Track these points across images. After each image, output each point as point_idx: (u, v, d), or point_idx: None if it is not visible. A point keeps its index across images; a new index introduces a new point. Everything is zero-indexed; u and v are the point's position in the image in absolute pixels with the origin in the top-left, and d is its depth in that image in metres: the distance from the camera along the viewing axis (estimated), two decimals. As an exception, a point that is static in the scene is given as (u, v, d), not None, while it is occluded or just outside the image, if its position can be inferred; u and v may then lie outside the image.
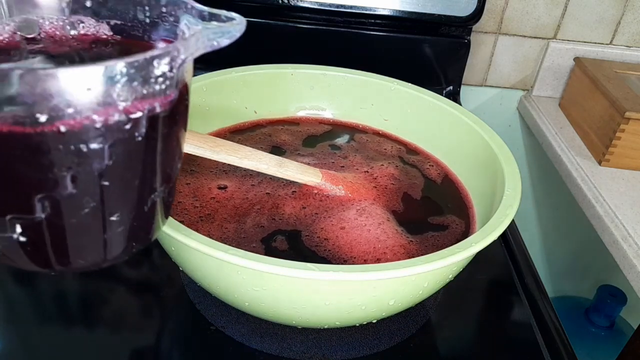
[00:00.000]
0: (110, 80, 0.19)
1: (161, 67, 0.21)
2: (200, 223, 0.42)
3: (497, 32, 0.82)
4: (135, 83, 0.20)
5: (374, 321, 0.42)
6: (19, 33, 0.27)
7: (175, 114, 0.23)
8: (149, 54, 0.20)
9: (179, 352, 0.41)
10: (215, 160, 0.40)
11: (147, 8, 0.27)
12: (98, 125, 0.20)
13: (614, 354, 0.72)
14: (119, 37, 0.28)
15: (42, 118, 0.19)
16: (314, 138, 0.56)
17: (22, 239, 0.22)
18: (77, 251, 0.24)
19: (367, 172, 0.50)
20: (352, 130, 0.58)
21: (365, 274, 0.31)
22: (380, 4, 0.71)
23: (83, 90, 0.19)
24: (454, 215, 0.47)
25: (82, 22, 0.28)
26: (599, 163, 0.72)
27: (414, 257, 0.33)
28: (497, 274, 0.51)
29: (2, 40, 0.26)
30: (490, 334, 0.45)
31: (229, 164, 0.43)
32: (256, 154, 0.41)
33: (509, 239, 0.54)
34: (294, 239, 0.42)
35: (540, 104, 0.86)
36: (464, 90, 0.86)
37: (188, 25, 0.26)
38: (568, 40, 0.83)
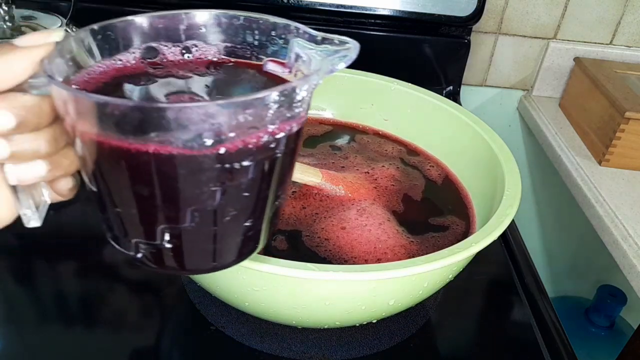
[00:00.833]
0: (265, 107, 0.22)
1: (301, 93, 0.24)
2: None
3: (497, 32, 0.82)
4: (282, 108, 0.23)
5: (374, 321, 0.42)
6: (143, 59, 0.29)
7: (302, 129, 0.26)
8: (295, 84, 0.23)
9: (179, 352, 0.41)
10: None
11: (257, 32, 0.29)
12: (251, 146, 0.23)
13: (614, 354, 0.72)
14: (229, 58, 0.30)
15: (208, 142, 0.21)
16: (315, 138, 0.56)
17: (167, 245, 0.25)
18: (212, 254, 0.26)
19: (368, 172, 0.50)
20: (353, 130, 0.58)
21: (365, 274, 0.31)
22: (380, 4, 0.71)
23: (243, 117, 0.22)
24: (455, 216, 0.47)
25: (196, 45, 0.30)
26: (599, 163, 0.72)
27: (414, 257, 0.33)
28: (497, 274, 0.51)
29: (132, 66, 0.28)
30: (490, 334, 0.45)
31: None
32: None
33: (509, 239, 0.54)
34: (294, 239, 0.42)
35: (540, 104, 0.86)
36: (464, 90, 0.85)
37: (300, 48, 0.28)
38: (568, 40, 0.83)
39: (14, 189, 0.25)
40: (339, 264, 0.39)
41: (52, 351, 0.40)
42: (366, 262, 0.40)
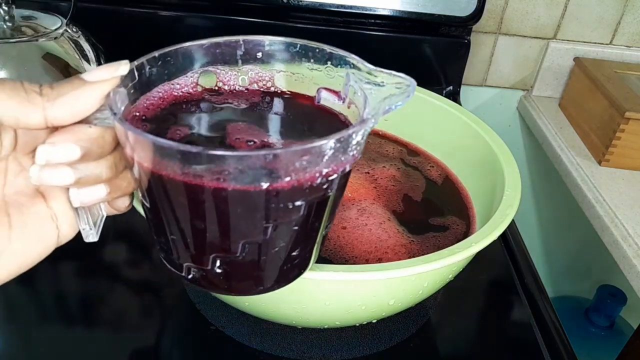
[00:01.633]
0: (322, 153, 0.23)
1: (357, 137, 0.24)
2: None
3: (497, 32, 0.82)
4: (338, 153, 0.23)
5: (374, 321, 0.42)
6: (200, 85, 0.30)
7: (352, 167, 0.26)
8: (352, 130, 0.23)
9: (179, 352, 0.41)
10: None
11: (312, 60, 0.30)
12: (304, 188, 0.23)
13: (614, 354, 0.72)
14: (282, 87, 0.31)
15: (264, 185, 0.22)
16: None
17: (217, 271, 0.26)
18: (259, 280, 0.27)
19: (368, 173, 0.50)
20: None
21: (365, 274, 0.31)
22: (380, 4, 0.71)
23: (299, 163, 0.22)
24: (455, 216, 0.47)
25: (252, 71, 0.30)
26: (599, 163, 0.72)
27: (415, 257, 0.33)
28: (497, 274, 0.51)
29: (189, 92, 0.29)
30: (490, 334, 0.45)
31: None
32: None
33: (509, 239, 0.54)
34: (294, 239, 0.42)
35: (540, 104, 0.86)
36: (464, 91, 0.85)
37: (356, 81, 0.28)
38: (568, 40, 0.83)
39: (75, 207, 0.27)
40: (339, 263, 0.39)
41: (52, 351, 0.40)
42: (367, 261, 0.40)
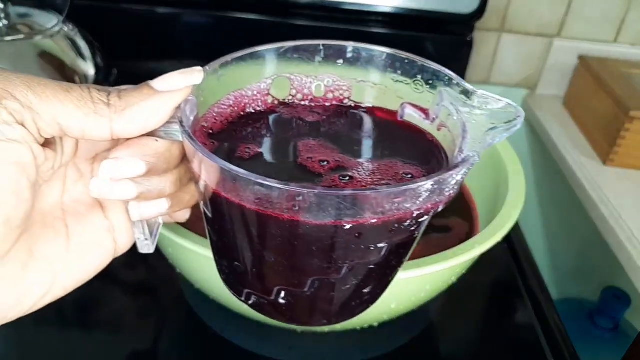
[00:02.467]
0: (415, 195, 0.20)
1: (458, 177, 0.21)
2: (198, 223, 0.41)
3: (500, 30, 0.82)
4: (433, 194, 0.21)
5: (375, 324, 0.41)
6: (271, 94, 0.27)
7: None
8: (453, 171, 0.20)
9: (176, 355, 0.40)
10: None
11: (399, 72, 0.27)
12: (390, 230, 0.21)
13: (618, 356, 0.71)
14: (362, 100, 0.28)
15: (346, 225, 0.20)
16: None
17: (281, 301, 0.24)
18: (324, 313, 0.26)
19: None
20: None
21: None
22: (382, 0, 0.70)
23: (388, 205, 0.20)
24: (458, 217, 0.46)
25: (330, 78, 0.28)
26: (604, 163, 0.71)
27: (417, 258, 0.33)
28: (501, 276, 0.50)
29: (260, 102, 0.27)
30: (493, 336, 0.45)
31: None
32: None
33: (513, 240, 0.53)
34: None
35: (544, 102, 0.85)
36: (467, 89, 0.85)
37: (451, 101, 0.25)
38: (572, 38, 0.82)
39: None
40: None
41: (50, 353, 0.40)
42: (367, 263, 0.39)
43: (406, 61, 0.27)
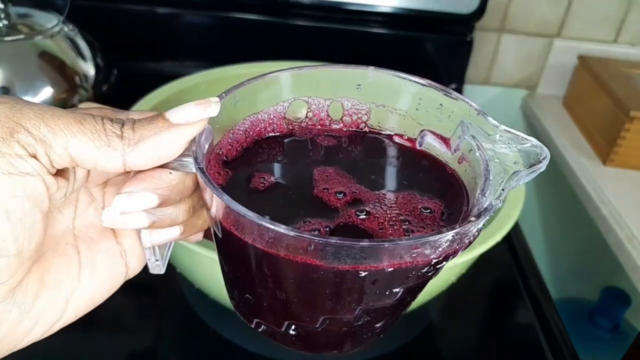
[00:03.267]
0: (435, 246, 0.20)
1: (479, 225, 0.20)
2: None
3: (500, 30, 0.81)
4: (454, 243, 0.20)
5: (375, 324, 0.41)
6: (287, 118, 0.27)
7: None
8: (475, 221, 0.20)
9: (176, 355, 0.40)
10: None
11: (421, 99, 0.26)
12: (406, 276, 0.21)
13: (618, 356, 0.71)
14: (380, 127, 0.27)
15: (362, 273, 0.20)
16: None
17: (291, 333, 0.24)
18: (334, 345, 0.26)
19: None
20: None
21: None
22: (382, 0, 0.70)
23: (408, 255, 0.20)
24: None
25: (349, 101, 0.27)
26: (604, 163, 0.71)
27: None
28: (501, 276, 0.50)
29: (275, 126, 0.26)
30: (493, 336, 0.45)
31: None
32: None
33: (513, 240, 0.53)
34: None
35: (544, 102, 0.85)
36: (467, 89, 0.85)
37: (474, 135, 0.24)
38: (572, 38, 0.82)
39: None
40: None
41: (49, 353, 0.40)
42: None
43: (442, 92, 0.25)
